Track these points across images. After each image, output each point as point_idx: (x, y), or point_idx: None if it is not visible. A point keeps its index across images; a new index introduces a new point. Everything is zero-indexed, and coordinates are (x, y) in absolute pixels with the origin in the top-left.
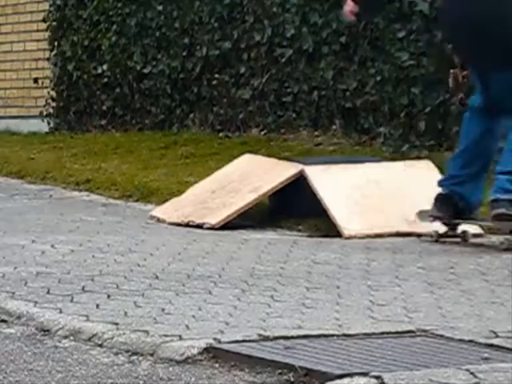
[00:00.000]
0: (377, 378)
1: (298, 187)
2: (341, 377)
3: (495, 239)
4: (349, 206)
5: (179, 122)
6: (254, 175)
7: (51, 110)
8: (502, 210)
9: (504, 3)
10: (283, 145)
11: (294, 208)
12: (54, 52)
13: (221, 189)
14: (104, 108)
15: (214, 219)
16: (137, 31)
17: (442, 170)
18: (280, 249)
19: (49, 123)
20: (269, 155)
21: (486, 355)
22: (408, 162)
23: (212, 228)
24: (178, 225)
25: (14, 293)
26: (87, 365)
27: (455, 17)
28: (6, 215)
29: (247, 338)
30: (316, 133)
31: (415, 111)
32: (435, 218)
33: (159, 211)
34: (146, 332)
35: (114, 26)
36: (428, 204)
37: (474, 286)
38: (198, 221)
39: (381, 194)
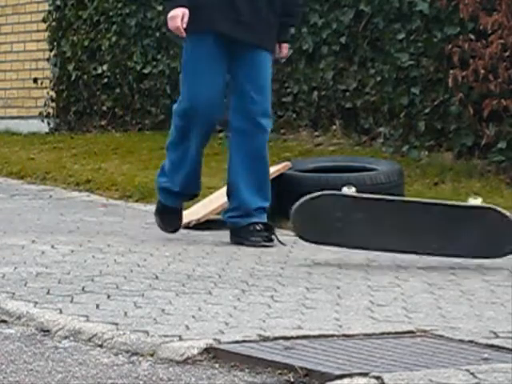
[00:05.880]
0: (377, 378)
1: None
2: (341, 377)
3: None
4: None
5: None
6: None
7: (51, 111)
8: None
9: None
10: (283, 145)
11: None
12: (53, 52)
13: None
14: (104, 108)
15: (199, 215)
16: (137, 31)
17: (440, 170)
18: (280, 249)
19: (49, 123)
20: (269, 155)
21: (486, 355)
22: None
23: (198, 223)
24: None
25: (14, 293)
26: (87, 365)
27: None
28: (6, 215)
29: (247, 339)
30: (316, 133)
31: (415, 111)
32: None
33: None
34: (146, 332)
35: (114, 27)
36: None
37: (473, 286)
38: (185, 220)
39: None
